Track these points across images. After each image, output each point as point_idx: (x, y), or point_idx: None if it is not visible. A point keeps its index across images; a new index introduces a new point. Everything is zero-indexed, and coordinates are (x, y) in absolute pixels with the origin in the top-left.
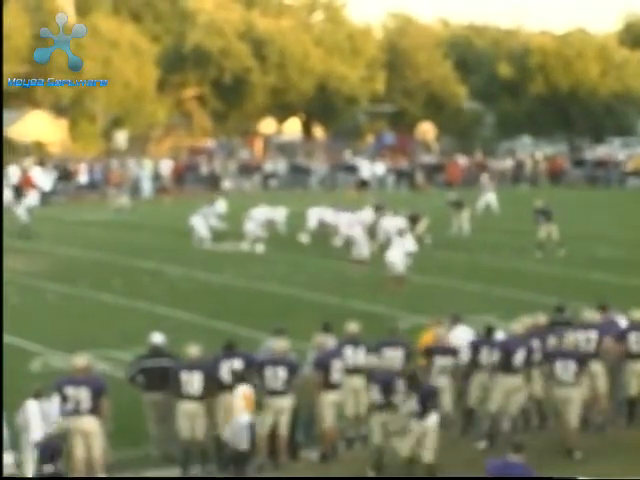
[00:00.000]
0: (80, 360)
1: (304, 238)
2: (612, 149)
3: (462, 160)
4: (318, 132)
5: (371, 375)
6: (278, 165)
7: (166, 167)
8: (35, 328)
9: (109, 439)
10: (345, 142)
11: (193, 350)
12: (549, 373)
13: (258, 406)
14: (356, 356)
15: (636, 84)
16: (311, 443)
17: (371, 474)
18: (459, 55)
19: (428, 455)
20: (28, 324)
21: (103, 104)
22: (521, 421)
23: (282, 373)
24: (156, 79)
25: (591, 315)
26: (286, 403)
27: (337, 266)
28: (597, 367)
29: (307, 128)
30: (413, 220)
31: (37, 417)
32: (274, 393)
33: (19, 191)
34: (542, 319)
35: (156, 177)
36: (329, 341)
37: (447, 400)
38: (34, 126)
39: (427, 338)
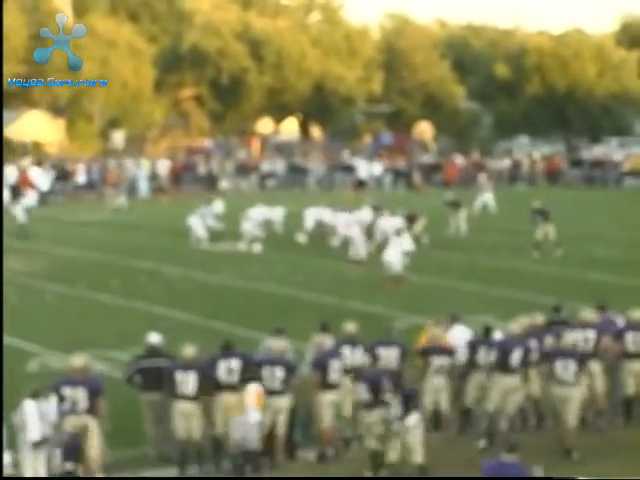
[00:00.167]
0: (77, 360)
1: (301, 238)
2: (609, 149)
3: (459, 160)
4: (315, 132)
5: (358, 374)
6: (275, 165)
7: (163, 167)
8: (33, 328)
9: (106, 439)
10: (342, 142)
11: (188, 350)
12: (548, 373)
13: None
14: (354, 356)
15: (633, 84)
16: (309, 443)
17: (368, 474)
18: (456, 55)
19: (416, 457)
20: (26, 324)
21: (100, 104)
22: (518, 421)
23: (280, 373)
24: (153, 79)
25: (589, 315)
26: (284, 403)
27: (335, 266)
28: (595, 367)
29: (304, 128)
30: (410, 220)
31: (34, 417)
32: (272, 393)
33: (17, 191)
34: (539, 319)
35: (153, 177)
36: (327, 341)
37: (444, 400)
38: (31, 126)
39: (426, 338)
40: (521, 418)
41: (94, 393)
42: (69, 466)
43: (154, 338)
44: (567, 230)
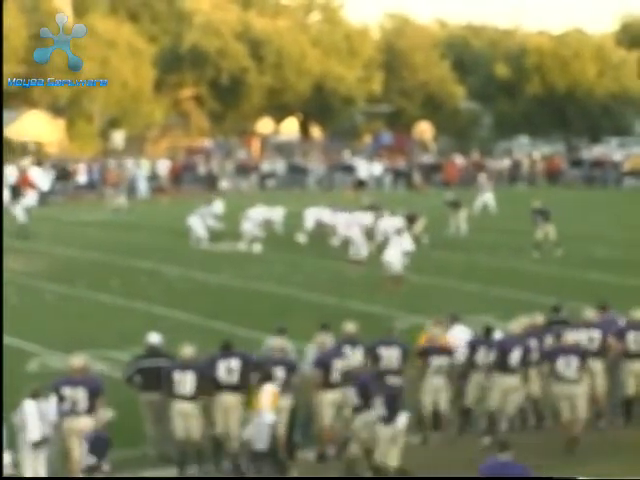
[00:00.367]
0: (77, 360)
1: (301, 238)
2: (609, 149)
3: (459, 160)
4: (315, 132)
5: (348, 377)
6: (275, 165)
7: (163, 167)
8: (33, 328)
9: None
10: (342, 142)
11: (186, 350)
12: (549, 372)
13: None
14: (354, 356)
15: (633, 84)
16: (309, 443)
17: (367, 474)
18: (456, 55)
19: (392, 460)
20: (26, 324)
21: (100, 104)
22: (518, 421)
23: (280, 373)
24: (153, 79)
25: (591, 315)
26: (284, 403)
27: (335, 266)
28: (597, 366)
29: (304, 128)
30: (410, 220)
31: (34, 417)
32: None
33: (17, 191)
34: (539, 319)
35: (153, 177)
36: (328, 340)
37: (443, 400)
38: (31, 126)
39: (426, 338)
40: (521, 418)
41: (94, 393)
42: (90, 460)
43: (154, 338)
44: (567, 230)
